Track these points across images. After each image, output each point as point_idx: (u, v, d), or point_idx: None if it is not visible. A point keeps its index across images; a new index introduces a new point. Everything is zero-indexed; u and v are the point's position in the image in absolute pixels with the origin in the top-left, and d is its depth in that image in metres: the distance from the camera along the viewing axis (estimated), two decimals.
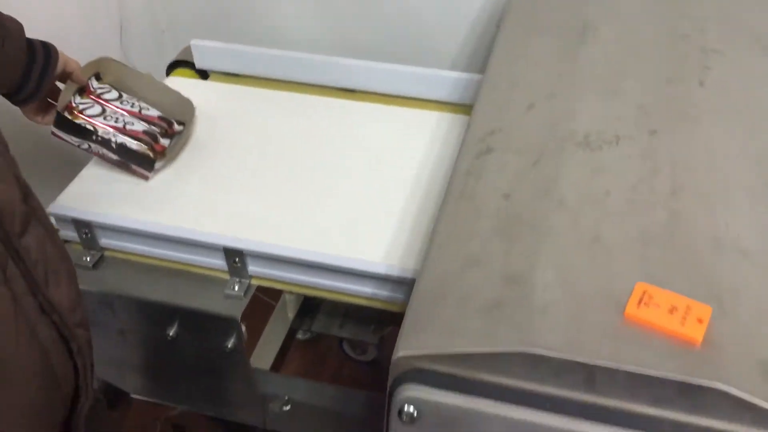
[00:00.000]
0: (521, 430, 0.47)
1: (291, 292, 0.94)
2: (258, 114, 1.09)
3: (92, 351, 0.75)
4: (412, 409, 0.49)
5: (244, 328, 0.90)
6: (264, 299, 1.62)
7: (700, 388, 0.45)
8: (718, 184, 0.59)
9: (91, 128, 0.93)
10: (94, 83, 0.98)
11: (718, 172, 0.60)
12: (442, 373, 0.49)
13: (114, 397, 1.61)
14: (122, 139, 0.94)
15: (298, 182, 0.95)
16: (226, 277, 0.89)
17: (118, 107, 0.98)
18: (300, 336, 1.50)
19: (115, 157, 0.94)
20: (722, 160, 0.61)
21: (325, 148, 1.00)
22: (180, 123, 1.01)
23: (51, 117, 0.92)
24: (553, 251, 0.54)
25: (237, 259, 0.87)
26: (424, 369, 0.49)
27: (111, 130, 0.95)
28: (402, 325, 0.52)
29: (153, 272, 0.92)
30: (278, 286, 0.91)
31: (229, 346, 0.89)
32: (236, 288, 0.88)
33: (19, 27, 0.85)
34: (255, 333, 1.46)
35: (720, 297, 0.50)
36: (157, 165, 0.95)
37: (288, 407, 1.02)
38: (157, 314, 0.90)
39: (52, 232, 0.69)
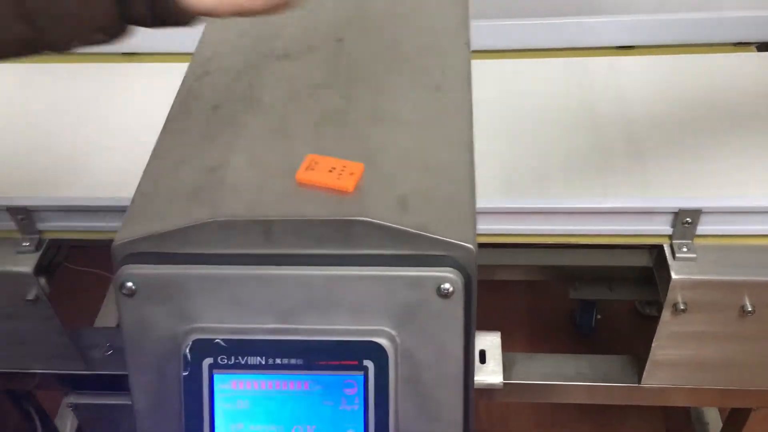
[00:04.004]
0: (217, 283, 0.58)
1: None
2: (40, 86, 1.14)
3: None
4: (130, 284, 0.58)
5: (43, 282, 0.96)
6: (103, 274, 1.68)
7: (350, 223, 0.58)
8: (387, 73, 0.72)
9: None
10: None
11: (388, 64, 0.73)
12: (151, 252, 0.59)
13: None
14: None
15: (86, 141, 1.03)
16: (18, 235, 0.96)
17: None
18: None
19: None
20: (393, 55, 0.74)
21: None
22: None
23: None
24: (245, 143, 0.65)
25: (22, 216, 0.93)
26: (137, 251, 0.59)
27: None
28: (123, 219, 0.62)
29: None
30: (71, 236, 0.97)
31: (31, 298, 0.95)
32: (27, 244, 0.94)
33: None
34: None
35: (372, 155, 0.63)
36: None
37: (110, 352, 1.10)
38: None
39: None
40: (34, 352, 1.08)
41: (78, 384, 1.16)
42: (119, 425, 1.22)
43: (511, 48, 1.12)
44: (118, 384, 1.11)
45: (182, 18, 0.60)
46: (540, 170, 0.94)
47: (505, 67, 1.10)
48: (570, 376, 1.02)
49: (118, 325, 1.48)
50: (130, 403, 1.17)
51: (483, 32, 1.09)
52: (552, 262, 1.49)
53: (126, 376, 1.10)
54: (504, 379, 0.95)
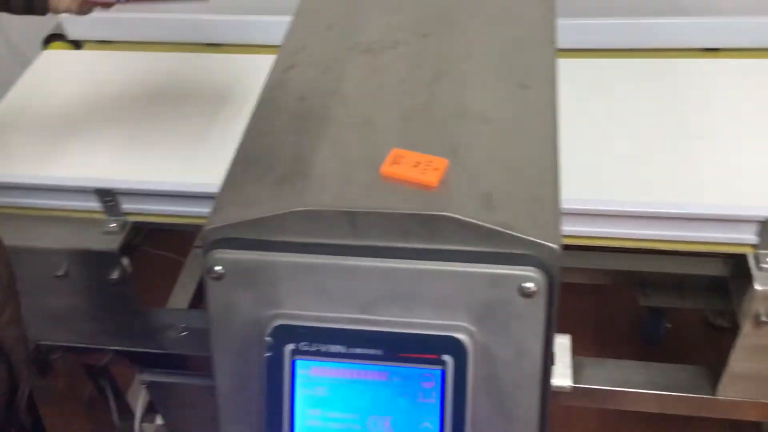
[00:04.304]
0: (302, 271, 0.59)
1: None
2: (126, 74, 1.18)
3: (27, 344, 0.82)
4: (219, 268, 0.60)
5: (126, 262, 1.00)
6: (175, 257, 1.73)
7: (435, 218, 0.58)
8: (473, 70, 0.72)
9: None
10: None
11: (474, 61, 0.73)
12: (239, 238, 0.61)
13: (42, 365, 1.69)
14: None
15: (170, 129, 1.06)
16: (104, 217, 1.00)
17: None
18: None
19: None
20: (478, 53, 0.74)
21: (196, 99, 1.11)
22: None
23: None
24: (331, 135, 0.66)
25: (109, 198, 0.97)
26: (226, 237, 0.61)
27: None
28: (213, 205, 0.64)
29: (39, 222, 1.01)
30: (153, 220, 1.01)
31: (114, 277, 0.99)
32: (113, 225, 0.98)
33: None
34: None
35: (457, 151, 0.63)
36: None
37: (184, 333, 1.13)
38: (46, 259, 0.99)
39: None
40: (112, 329, 1.12)
41: (152, 362, 1.20)
42: (190, 404, 1.26)
43: (596, 47, 1.11)
44: (190, 364, 1.14)
45: (45, 12, 0.81)
46: (620, 172, 0.92)
47: (590, 67, 1.08)
48: (640, 383, 1.00)
49: (190, 307, 1.53)
50: (201, 383, 1.21)
51: (568, 31, 1.08)
52: (622, 267, 1.46)
53: (199, 357, 1.14)
54: (573, 382, 0.95)
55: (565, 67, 1.04)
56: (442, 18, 0.79)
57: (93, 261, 0.98)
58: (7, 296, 0.79)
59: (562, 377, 0.94)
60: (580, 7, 1.15)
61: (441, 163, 0.61)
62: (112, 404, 1.36)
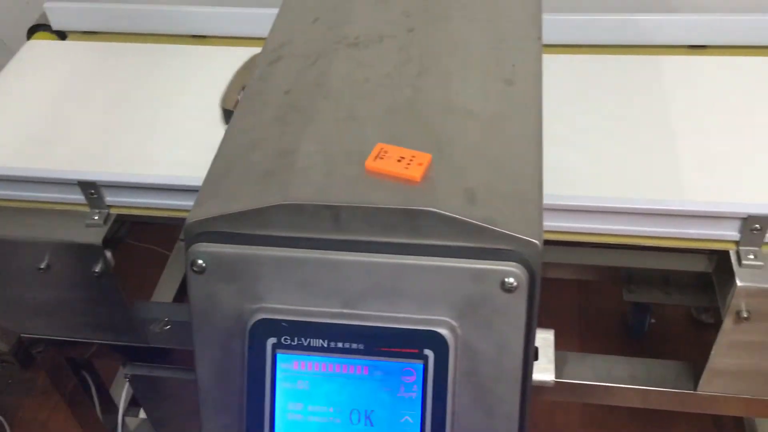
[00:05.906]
0: (284, 265, 0.59)
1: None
2: (111, 65, 1.18)
3: None
4: (201, 261, 0.60)
5: (109, 255, 0.99)
6: (160, 251, 1.73)
7: (417, 213, 0.58)
8: (458, 65, 0.72)
9: None
10: None
11: (459, 56, 0.73)
12: (222, 232, 0.61)
13: (24, 358, 1.68)
14: None
15: (154, 121, 1.05)
16: (87, 209, 0.99)
17: None
18: None
19: None
20: (464, 47, 0.74)
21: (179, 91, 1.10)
22: None
23: None
24: (316, 129, 0.66)
25: (93, 191, 0.96)
26: (208, 230, 0.61)
27: None
28: (195, 198, 0.63)
29: (19, 214, 1.00)
30: (137, 212, 1.00)
31: (97, 270, 0.98)
32: (96, 218, 0.98)
33: None
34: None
35: (440, 146, 0.63)
36: None
37: (168, 327, 1.13)
38: (29, 251, 0.99)
39: None
40: (95, 322, 1.12)
41: (135, 356, 1.19)
42: (173, 398, 1.26)
43: (582, 43, 1.11)
44: (174, 358, 1.14)
45: None
46: (603, 168, 0.92)
47: (576, 63, 1.08)
48: (623, 378, 1.01)
49: (174, 300, 1.52)
50: (184, 377, 1.21)
51: (554, 26, 1.08)
52: (606, 263, 1.47)
53: (182, 350, 1.13)
54: (555, 377, 0.95)
55: (553, 62, 1.05)
56: (428, 13, 0.79)
57: (76, 254, 0.97)
58: None
59: (545, 372, 0.94)
60: (568, 2, 1.16)
61: (424, 158, 0.61)
62: (95, 398, 1.36)
